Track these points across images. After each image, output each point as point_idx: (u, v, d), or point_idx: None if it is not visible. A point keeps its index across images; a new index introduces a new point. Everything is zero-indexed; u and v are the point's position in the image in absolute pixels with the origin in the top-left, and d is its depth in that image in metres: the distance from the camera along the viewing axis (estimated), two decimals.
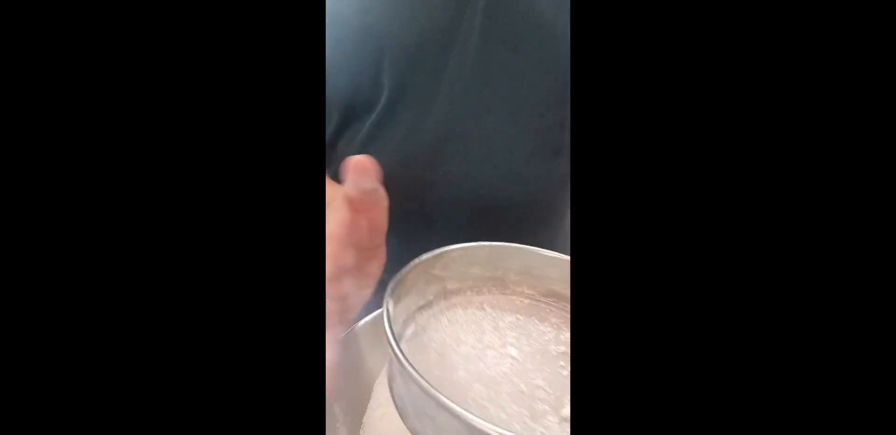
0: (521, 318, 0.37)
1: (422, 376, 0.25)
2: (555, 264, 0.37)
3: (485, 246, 0.37)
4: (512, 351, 0.33)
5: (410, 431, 0.29)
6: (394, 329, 0.29)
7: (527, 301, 0.38)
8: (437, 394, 0.24)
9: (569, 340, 0.35)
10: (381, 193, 0.30)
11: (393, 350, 0.27)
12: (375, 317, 0.41)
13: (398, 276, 0.32)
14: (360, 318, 0.42)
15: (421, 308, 0.36)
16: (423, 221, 0.52)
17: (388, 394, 0.40)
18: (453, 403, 0.24)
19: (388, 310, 0.30)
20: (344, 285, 0.29)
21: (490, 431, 0.23)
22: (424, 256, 0.34)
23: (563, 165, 0.54)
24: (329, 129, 0.51)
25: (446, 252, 0.35)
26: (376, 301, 0.39)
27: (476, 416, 0.23)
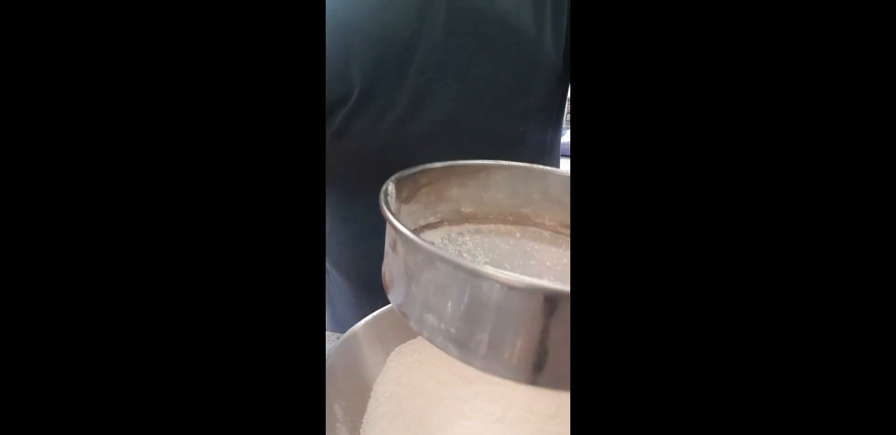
0: (537, 247, 0.33)
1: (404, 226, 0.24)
2: None
3: (506, 166, 0.34)
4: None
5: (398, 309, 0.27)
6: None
7: (548, 233, 0.35)
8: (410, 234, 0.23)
9: None
10: None
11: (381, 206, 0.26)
12: (375, 317, 0.41)
13: (406, 171, 0.30)
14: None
15: (430, 226, 0.33)
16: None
17: (388, 392, 0.38)
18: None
19: (386, 189, 0.28)
20: None
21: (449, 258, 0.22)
22: (438, 164, 0.32)
23: (528, 152, 0.54)
24: None
25: (463, 166, 0.33)
26: (369, 303, 0.40)
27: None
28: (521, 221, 0.35)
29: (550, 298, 0.21)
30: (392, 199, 0.29)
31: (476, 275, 0.22)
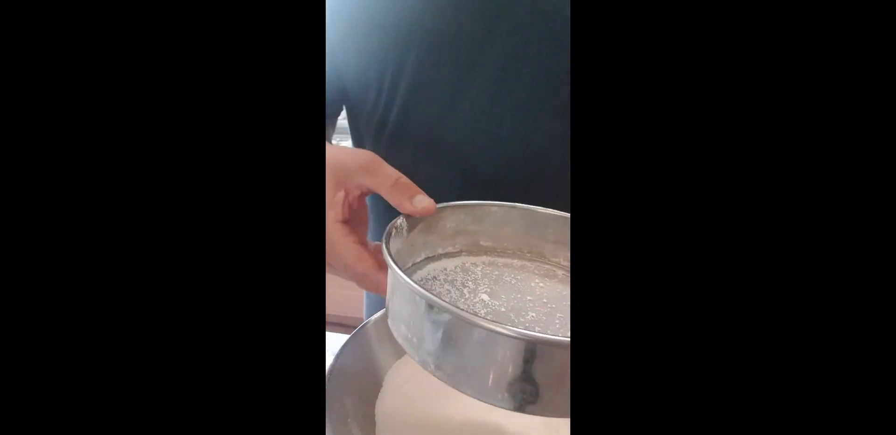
0: (542, 284, 0.36)
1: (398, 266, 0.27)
2: None
3: (520, 209, 0.37)
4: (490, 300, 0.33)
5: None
6: (392, 244, 0.31)
7: (561, 272, 0.37)
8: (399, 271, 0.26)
9: None
10: None
11: (384, 249, 0.29)
12: (384, 314, 0.44)
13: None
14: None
15: (448, 254, 0.37)
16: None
17: (398, 385, 0.43)
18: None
19: (395, 224, 0.32)
20: None
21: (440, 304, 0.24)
22: (454, 202, 0.36)
23: None
24: (351, 124, 0.55)
25: (480, 206, 0.37)
26: (381, 302, 0.41)
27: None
28: (537, 258, 0.38)
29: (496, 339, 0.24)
30: (404, 231, 0.34)
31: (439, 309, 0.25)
